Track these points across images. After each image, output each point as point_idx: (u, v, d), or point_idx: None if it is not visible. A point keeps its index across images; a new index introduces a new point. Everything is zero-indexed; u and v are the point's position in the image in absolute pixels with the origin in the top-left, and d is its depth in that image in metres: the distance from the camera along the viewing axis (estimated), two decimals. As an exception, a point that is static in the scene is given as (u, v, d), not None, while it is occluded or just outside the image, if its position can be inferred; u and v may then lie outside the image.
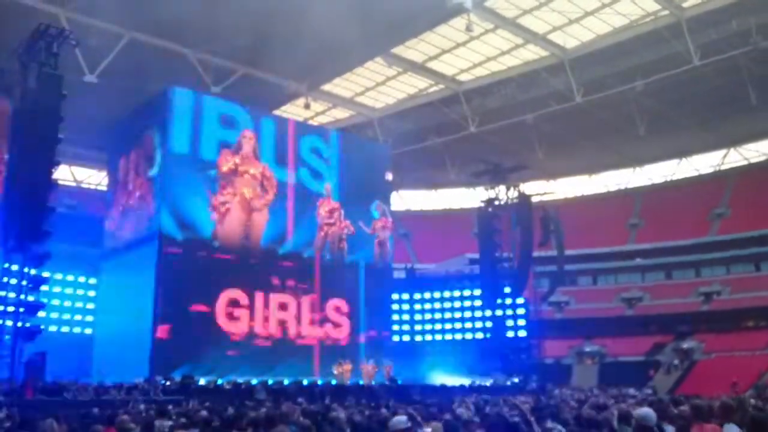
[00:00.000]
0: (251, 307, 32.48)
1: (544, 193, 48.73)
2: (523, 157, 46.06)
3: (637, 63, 37.37)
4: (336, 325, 35.69)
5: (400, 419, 6.44)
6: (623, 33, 36.33)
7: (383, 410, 10.74)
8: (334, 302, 35.72)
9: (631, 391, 31.38)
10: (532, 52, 39.09)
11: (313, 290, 35.00)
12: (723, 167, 54.33)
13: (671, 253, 50.18)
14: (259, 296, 32.90)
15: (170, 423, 10.41)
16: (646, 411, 5.53)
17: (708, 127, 47.85)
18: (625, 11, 34.59)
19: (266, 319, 33.04)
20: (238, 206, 32.86)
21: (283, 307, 33.85)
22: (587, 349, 49.23)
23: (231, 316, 31.76)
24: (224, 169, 32.65)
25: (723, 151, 53.90)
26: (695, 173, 55.43)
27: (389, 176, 41.82)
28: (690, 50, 34.70)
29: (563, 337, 49.34)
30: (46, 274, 26.45)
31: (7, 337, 24.29)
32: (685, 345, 45.73)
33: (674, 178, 56.06)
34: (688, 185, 53.99)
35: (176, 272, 30.50)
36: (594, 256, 51.80)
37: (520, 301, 41.29)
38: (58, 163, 25.34)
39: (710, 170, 54.79)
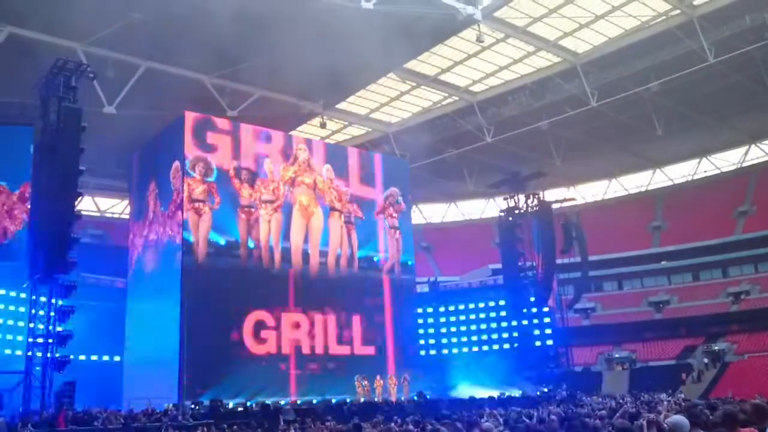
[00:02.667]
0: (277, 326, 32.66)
1: (564, 200, 48.37)
2: (541, 165, 45.91)
3: (650, 64, 37.18)
4: (359, 339, 35.60)
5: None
6: (635, 35, 36.18)
7: (411, 426, 10.68)
8: (356, 316, 35.71)
9: (663, 396, 30.87)
10: (545, 59, 39.04)
11: (335, 306, 35.04)
12: (745, 164, 53.61)
13: (697, 254, 49.52)
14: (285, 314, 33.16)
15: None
16: (679, 418, 5.42)
17: (727, 123, 47.37)
18: (635, 13, 34.45)
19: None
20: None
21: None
22: (617, 355, 48.59)
23: (258, 337, 31.90)
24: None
25: (744, 148, 53.20)
26: (716, 171, 54.71)
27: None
28: (704, 48, 34.46)
29: (591, 344, 48.80)
30: (73, 305, 26.71)
31: (37, 368, 24.56)
32: (717, 347, 44.94)
33: (695, 177, 55.39)
34: (710, 184, 53.33)
35: (202, 297, 30.64)
36: (618, 261, 51.33)
37: (545, 309, 40.94)
38: (80, 195, 25.73)
39: (732, 167, 54.06)
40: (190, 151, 32.30)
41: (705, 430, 6.41)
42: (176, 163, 32.41)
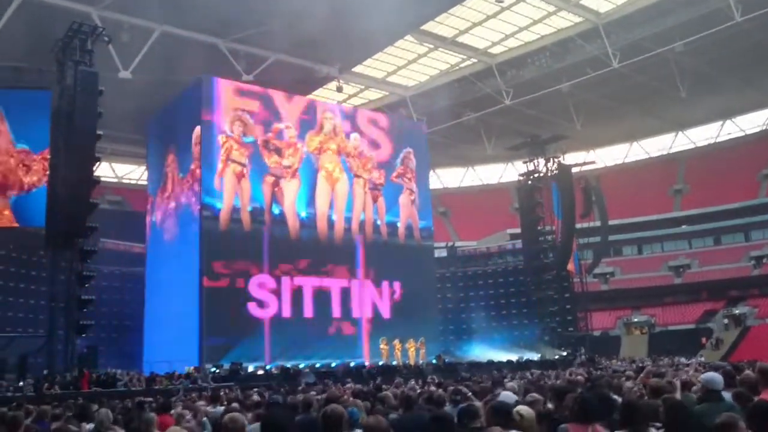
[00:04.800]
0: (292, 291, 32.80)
1: (584, 163, 47.74)
2: (561, 128, 45.27)
3: (675, 23, 36.21)
4: (381, 302, 35.69)
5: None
6: (660, -7, 35.24)
7: (432, 387, 10.61)
8: (375, 281, 35.76)
9: (684, 360, 30.74)
10: (565, 19, 38.21)
11: (360, 269, 35.12)
12: (770, 126, 52.49)
13: (719, 217, 48.86)
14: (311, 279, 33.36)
15: (222, 408, 10.42)
16: (713, 375, 5.30)
17: (753, 84, 46.24)
18: (660, -30, 33.52)
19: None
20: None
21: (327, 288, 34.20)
22: (635, 319, 48.47)
23: (278, 301, 32.09)
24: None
25: (769, 110, 52.02)
26: (741, 134, 53.65)
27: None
28: (731, 5, 33.47)
29: (610, 309, 48.66)
30: (93, 269, 26.95)
31: (59, 331, 24.88)
32: (737, 311, 44.63)
33: (719, 140, 54.38)
34: (733, 147, 52.31)
35: (223, 258, 30.82)
36: (638, 225, 50.84)
37: (564, 274, 40.72)
38: (98, 159, 25.72)
39: (756, 129, 52.95)
40: (209, 115, 32.13)
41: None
42: (197, 129, 32.21)
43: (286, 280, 32.56)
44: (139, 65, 32.87)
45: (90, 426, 7.84)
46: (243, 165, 32.49)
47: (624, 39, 37.93)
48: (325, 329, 33.19)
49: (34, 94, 26.61)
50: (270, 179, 33.17)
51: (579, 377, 9.46)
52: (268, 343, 30.59)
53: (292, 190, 33.79)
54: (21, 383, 22.20)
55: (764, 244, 47.08)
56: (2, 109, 27.04)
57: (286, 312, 32.35)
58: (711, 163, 51.39)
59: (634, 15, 36.56)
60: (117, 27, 30.59)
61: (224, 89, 33.16)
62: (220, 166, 31.78)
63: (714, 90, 45.52)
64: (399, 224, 37.76)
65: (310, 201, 34.35)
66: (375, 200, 36.96)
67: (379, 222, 36.89)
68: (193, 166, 32.52)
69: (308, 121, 35.38)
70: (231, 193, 31.94)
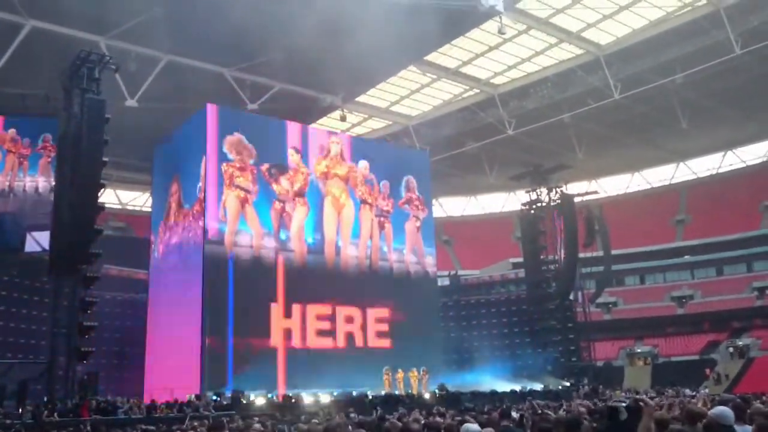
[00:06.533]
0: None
1: (587, 193, 47.85)
2: (563, 158, 45.51)
3: (675, 55, 36.65)
4: (380, 332, 35.53)
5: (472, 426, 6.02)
6: (660, 26, 35.70)
7: (437, 418, 10.54)
8: (379, 309, 35.61)
9: (688, 391, 30.46)
10: (567, 51, 38.65)
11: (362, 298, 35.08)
12: (771, 157, 52.67)
13: (721, 248, 48.80)
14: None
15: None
16: (723, 409, 5.22)
17: (753, 116, 46.58)
18: (660, 3, 34.00)
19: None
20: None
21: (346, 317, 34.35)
22: (638, 349, 48.17)
23: (281, 329, 31.94)
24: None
25: (770, 141, 52.25)
26: (742, 165, 53.85)
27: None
28: (731, 39, 33.91)
29: (613, 339, 48.38)
30: (95, 296, 26.87)
31: (61, 358, 24.75)
32: (741, 342, 44.36)
33: (720, 171, 54.57)
34: (735, 178, 52.49)
35: (224, 288, 30.76)
36: (640, 255, 50.76)
37: (567, 303, 40.57)
38: (103, 186, 25.83)
39: (758, 161, 53.15)
40: (215, 143, 32.30)
41: (746, 424, 6.20)
42: (204, 159, 32.29)
43: (290, 307, 32.44)
44: (146, 93, 33.18)
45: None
46: (247, 191, 32.47)
47: (625, 70, 38.32)
48: (329, 357, 32.95)
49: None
50: (278, 205, 33.31)
51: (582, 409, 9.40)
52: (270, 372, 30.31)
53: (299, 216, 33.88)
54: (20, 410, 22.06)
55: (767, 275, 46.95)
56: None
57: (289, 340, 32.18)
58: (713, 193, 51.51)
59: (635, 47, 36.96)
60: (124, 56, 30.90)
61: (227, 119, 33.32)
62: (223, 193, 31.88)
63: (714, 121, 45.87)
64: (405, 251, 37.79)
65: (318, 227, 34.43)
66: (382, 228, 37.00)
67: (385, 249, 36.93)
68: (199, 196, 32.55)
69: (314, 147, 35.56)
70: (234, 219, 31.89)
